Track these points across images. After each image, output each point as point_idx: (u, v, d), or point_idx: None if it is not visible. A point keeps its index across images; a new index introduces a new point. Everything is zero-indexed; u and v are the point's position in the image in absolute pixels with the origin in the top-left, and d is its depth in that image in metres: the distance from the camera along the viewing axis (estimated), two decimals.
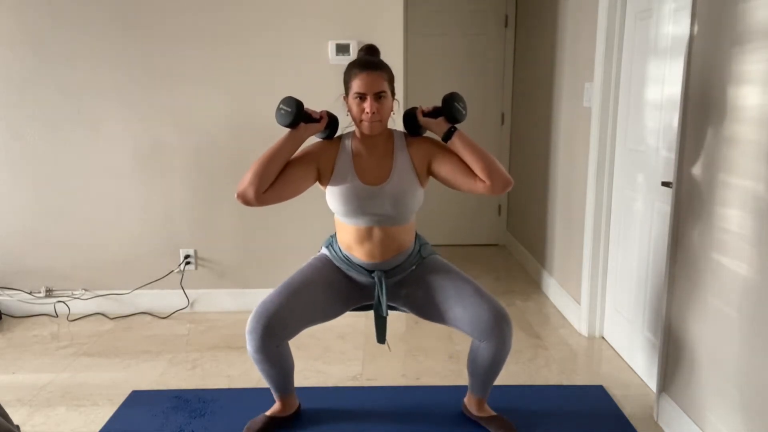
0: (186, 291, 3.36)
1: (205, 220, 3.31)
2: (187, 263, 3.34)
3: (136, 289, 3.35)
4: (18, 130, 3.19)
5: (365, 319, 3.27)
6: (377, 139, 1.98)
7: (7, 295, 3.34)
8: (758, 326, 1.69)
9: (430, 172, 2.01)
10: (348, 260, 2.06)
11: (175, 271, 3.35)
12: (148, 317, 3.32)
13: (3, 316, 3.33)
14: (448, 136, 1.94)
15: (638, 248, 2.59)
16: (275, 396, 2.18)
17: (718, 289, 1.87)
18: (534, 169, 4.04)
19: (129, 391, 2.47)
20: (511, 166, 4.74)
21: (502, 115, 4.72)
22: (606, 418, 2.26)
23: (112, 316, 3.33)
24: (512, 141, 4.70)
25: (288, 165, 1.95)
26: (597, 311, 2.99)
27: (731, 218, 1.80)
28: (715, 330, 1.89)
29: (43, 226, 3.28)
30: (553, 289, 3.55)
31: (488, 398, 2.24)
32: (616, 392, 2.45)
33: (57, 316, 3.34)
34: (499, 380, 2.54)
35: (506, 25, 4.59)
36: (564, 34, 3.39)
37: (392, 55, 2.92)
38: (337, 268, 2.10)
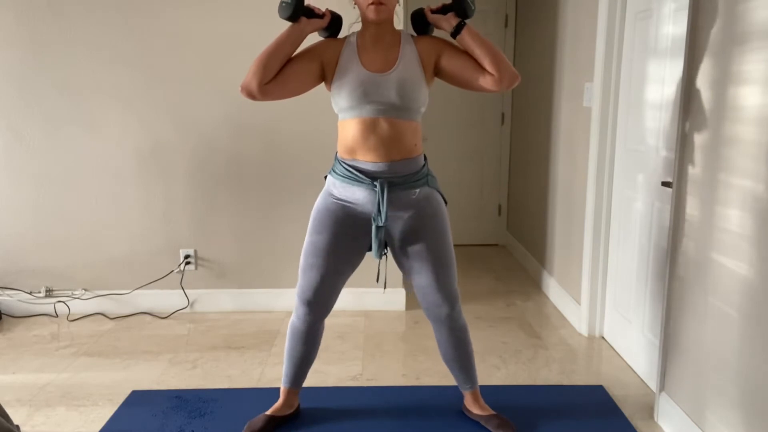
0: (186, 291, 3.36)
1: (205, 220, 3.31)
2: (187, 263, 3.34)
3: (136, 289, 3.35)
4: (18, 130, 3.19)
5: (365, 319, 3.27)
6: (384, 30, 1.96)
7: (7, 295, 3.34)
8: (758, 326, 1.69)
9: (437, 70, 1.99)
10: (351, 170, 1.98)
11: (175, 271, 3.35)
12: (148, 317, 3.32)
13: (3, 316, 3.33)
14: (457, 30, 1.93)
15: (638, 248, 2.59)
16: (283, 387, 2.19)
17: (718, 289, 1.87)
18: (534, 169, 4.04)
19: (129, 391, 2.47)
20: (511, 166, 4.74)
21: (502, 115, 4.72)
22: (606, 418, 2.26)
23: (112, 316, 3.33)
24: (512, 141, 4.70)
25: (291, 60, 1.95)
26: (597, 311, 2.99)
27: (731, 218, 1.80)
28: (715, 330, 1.89)
29: (43, 226, 3.28)
30: (553, 289, 3.55)
31: (488, 398, 2.25)
32: (616, 392, 2.45)
33: (57, 316, 3.34)
34: (499, 380, 2.54)
35: (506, 25, 4.59)
36: (564, 34, 3.39)
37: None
38: (343, 212, 2.02)
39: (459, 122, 4.71)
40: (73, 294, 3.36)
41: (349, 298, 3.32)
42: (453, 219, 4.79)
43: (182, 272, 3.35)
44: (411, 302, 3.44)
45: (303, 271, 2.06)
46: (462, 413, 2.26)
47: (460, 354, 2.16)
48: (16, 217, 3.27)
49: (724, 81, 1.83)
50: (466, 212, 4.83)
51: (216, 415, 2.28)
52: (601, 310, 2.98)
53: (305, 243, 2.07)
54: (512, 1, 4.56)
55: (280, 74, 1.92)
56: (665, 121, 2.35)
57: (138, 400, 2.39)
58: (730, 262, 1.81)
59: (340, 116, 2.00)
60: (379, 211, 1.97)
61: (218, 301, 3.39)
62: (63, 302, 3.35)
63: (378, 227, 1.98)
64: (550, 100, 3.66)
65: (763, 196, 1.66)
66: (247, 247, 3.35)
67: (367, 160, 1.96)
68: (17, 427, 1.74)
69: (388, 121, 1.93)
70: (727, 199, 1.82)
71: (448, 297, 2.08)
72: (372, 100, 1.91)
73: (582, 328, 3.05)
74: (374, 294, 3.38)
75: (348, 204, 2.02)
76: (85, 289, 3.37)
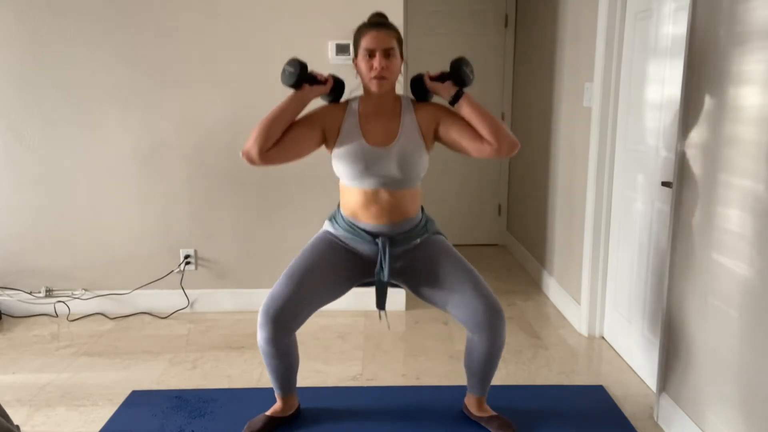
0: (186, 291, 3.36)
1: (205, 220, 3.31)
2: (187, 263, 3.34)
3: (136, 289, 3.35)
4: (18, 130, 3.19)
5: (365, 319, 3.27)
6: (385, 100, 1.99)
7: (7, 295, 3.34)
8: (758, 326, 1.69)
9: (436, 137, 2.01)
10: (353, 226, 2.03)
11: (175, 271, 3.35)
12: (148, 317, 3.32)
13: (3, 316, 3.33)
14: (455, 99, 1.95)
15: (638, 248, 2.59)
16: (277, 394, 2.18)
17: (717, 289, 1.87)
18: (534, 169, 4.04)
19: (129, 391, 2.47)
20: (511, 166, 4.74)
21: (502, 115, 4.72)
22: (606, 418, 2.26)
23: (112, 316, 3.33)
24: None
25: (293, 125, 1.96)
26: (597, 311, 2.99)
27: (731, 218, 1.80)
28: (715, 330, 1.90)
29: (44, 226, 3.28)
30: (553, 289, 3.55)
31: (488, 398, 2.25)
32: (616, 392, 2.45)
33: (57, 316, 3.34)
34: (499, 380, 2.54)
35: (506, 25, 4.59)
36: (564, 34, 3.39)
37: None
38: (340, 245, 2.07)
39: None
40: (73, 294, 3.36)
41: (349, 298, 3.32)
42: (453, 219, 4.83)
43: (182, 272, 3.35)
44: (411, 302, 3.44)
45: (276, 285, 2.00)
46: (462, 413, 2.26)
47: (486, 368, 2.10)
48: (16, 217, 3.27)
49: (724, 81, 1.83)
50: (466, 212, 4.83)
51: (216, 415, 2.28)
52: (601, 310, 2.98)
53: (291, 263, 2.05)
54: (512, 1, 4.56)
55: (281, 140, 1.94)
56: (665, 121, 2.35)
57: (138, 400, 2.39)
58: (730, 262, 1.81)
59: (341, 180, 2.04)
60: (381, 267, 2.02)
61: (218, 301, 3.39)
62: (63, 302, 3.35)
63: (381, 281, 2.03)
64: (550, 100, 3.66)
65: (763, 196, 1.66)
66: (247, 247, 3.35)
67: (368, 222, 2.02)
68: (17, 427, 1.74)
69: (389, 193, 1.98)
70: (727, 199, 1.82)
71: (494, 306, 1.98)
72: (373, 174, 1.95)
73: (582, 328, 3.05)
74: (374, 294, 3.37)
75: (348, 245, 2.07)
76: (85, 289, 3.37)
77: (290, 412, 2.21)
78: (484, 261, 4.44)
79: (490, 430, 2.15)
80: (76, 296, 3.35)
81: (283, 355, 2.05)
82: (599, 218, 2.90)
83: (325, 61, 3.12)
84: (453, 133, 1.97)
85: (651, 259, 2.48)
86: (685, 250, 2.06)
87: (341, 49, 3.10)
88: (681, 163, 2.09)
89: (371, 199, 1.99)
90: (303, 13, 3.10)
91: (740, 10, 1.75)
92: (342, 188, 2.06)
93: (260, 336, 2.00)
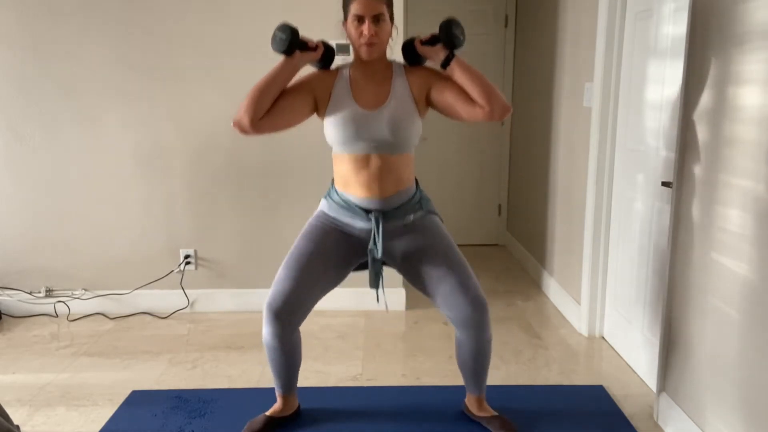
0: (186, 291, 3.36)
1: (205, 220, 3.31)
2: (187, 263, 3.34)
3: (136, 289, 3.35)
4: (18, 130, 3.19)
5: (365, 318, 3.27)
6: (376, 65, 1.97)
7: (7, 295, 3.34)
8: (758, 326, 1.69)
9: (429, 102, 1.99)
10: (346, 203, 2.01)
11: (175, 271, 3.35)
12: (148, 317, 3.32)
13: (3, 316, 3.33)
14: (446, 62, 1.92)
15: (638, 248, 2.59)
16: (278, 393, 2.18)
17: (717, 289, 1.87)
18: (534, 169, 4.04)
19: (129, 391, 2.47)
20: (511, 166, 4.74)
21: None
22: (606, 418, 2.26)
23: (112, 316, 3.33)
24: (512, 141, 4.70)
25: (284, 93, 1.94)
26: (597, 311, 2.99)
27: (731, 218, 1.80)
28: (715, 330, 1.90)
29: (43, 226, 3.28)
30: (553, 289, 3.55)
31: (489, 398, 2.24)
32: (616, 392, 2.45)
33: (57, 316, 3.34)
34: (499, 380, 2.54)
35: (506, 25, 4.59)
36: (564, 34, 3.39)
37: (392, 55, 2.92)
38: (334, 228, 2.04)
39: (459, 122, 4.70)
40: (73, 294, 3.36)
41: (349, 298, 3.33)
42: (453, 219, 4.82)
43: (182, 272, 3.35)
44: (411, 302, 3.44)
45: (278, 279, 2.01)
46: (463, 413, 2.26)
47: (478, 365, 2.10)
48: (16, 217, 3.27)
49: (724, 81, 1.83)
50: (466, 212, 4.83)
51: (216, 415, 2.28)
52: (601, 310, 2.98)
53: (289, 252, 2.04)
54: (512, 1, 4.56)
55: (272, 109, 1.92)
56: (665, 121, 2.35)
57: (138, 400, 2.39)
58: (730, 262, 1.81)
59: (333, 149, 2.01)
60: (374, 243, 1.99)
61: (218, 301, 3.39)
62: (63, 302, 3.35)
63: (374, 259, 2.00)
64: (550, 100, 3.66)
65: (763, 196, 1.66)
66: (247, 247, 3.35)
67: (360, 196, 1.98)
68: (17, 427, 1.74)
69: (380, 158, 1.94)
70: (727, 199, 1.82)
71: (477, 300, 1.98)
72: (364, 137, 1.92)
73: (582, 328, 3.05)
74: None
75: (342, 226, 2.04)
76: (85, 289, 3.37)
77: (290, 412, 2.21)
78: (484, 261, 4.43)
79: (491, 430, 2.15)
80: (76, 296, 3.35)
81: (288, 351, 2.06)
82: (599, 218, 2.90)
83: None
84: (445, 97, 1.94)
85: (651, 259, 2.48)
86: (685, 250, 2.06)
87: (341, 49, 3.09)
88: (681, 163, 2.09)
89: (362, 164, 1.94)
90: (303, 13, 3.10)
91: (740, 10, 1.75)
92: (335, 158, 2.02)
93: (266, 331, 2.01)
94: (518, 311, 3.40)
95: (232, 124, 1.90)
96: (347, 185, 2.00)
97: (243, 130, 1.90)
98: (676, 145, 2.10)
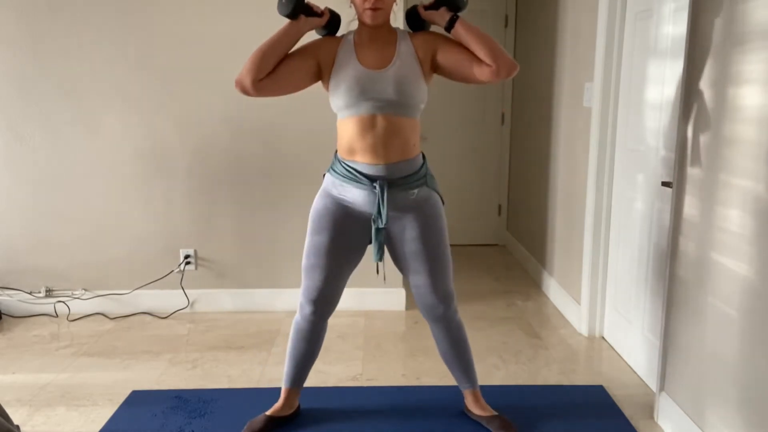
0: (186, 291, 3.36)
1: (205, 220, 3.31)
2: (187, 263, 3.34)
3: (136, 289, 3.35)
4: (18, 130, 3.19)
5: (365, 319, 3.27)
6: (381, 32, 1.97)
7: (7, 295, 3.34)
8: (758, 326, 1.69)
9: (434, 66, 1.98)
10: (350, 171, 1.98)
11: (175, 271, 3.35)
12: (148, 317, 3.32)
13: (3, 316, 3.33)
14: (450, 24, 1.92)
15: (638, 248, 2.59)
16: (284, 386, 2.19)
17: (717, 289, 1.87)
18: (534, 169, 4.04)
19: (129, 391, 2.47)
20: (511, 166, 4.74)
21: (502, 115, 4.72)
22: (606, 418, 2.26)
23: (112, 316, 3.33)
24: (512, 141, 4.70)
25: (287, 57, 1.94)
26: (597, 311, 2.99)
27: (731, 218, 1.80)
28: (714, 330, 1.90)
29: (43, 226, 3.28)
30: (553, 289, 3.55)
31: (489, 398, 2.24)
32: (616, 392, 2.45)
33: (57, 316, 3.34)
34: (499, 380, 2.54)
35: (506, 25, 4.59)
36: (564, 34, 3.39)
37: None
38: (343, 211, 2.02)
39: (459, 122, 4.71)
40: (73, 294, 3.36)
41: (349, 298, 3.31)
42: (453, 219, 4.79)
43: (182, 272, 3.35)
44: (411, 302, 3.44)
45: (306, 272, 2.08)
46: (463, 414, 2.26)
47: (457, 352, 2.17)
48: (16, 217, 3.27)
49: (724, 81, 1.83)
50: (466, 212, 4.83)
51: (216, 415, 2.28)
52: (601, 310, 2.98)
53: (306, 244, 2.07)
54: (512, 1, 4.56)
55: (275, 71, 1.91)
56: (665, 121, 2.35)
57: (138, 400, 2.39)
58: (730, 262, 1.81)
59: (339, 115, 1.99)
60: (379, 213, 1.97)
61: (218, 301, 3.39)
62: (63, 302, 3.35)
63: (378, 229, 1.98)
64: (550, 100, 3.66)
65: (763, 196, 1.66)
66: (247, 247, 3.35)
67: (366, 162, 1.95)
68: (17, 427, 1.74)
69: (386, 119, 1.92)
70: (727, 199, 1.82)
71: (444, 297, 2.09)
72: (370, 97, 1.90)
73: (582, 328, 3.05)
74: (374, 294, 3.38)
75: (347, 203, 2.02)
76: (85, 289, 3.37)
77: (290, 412, 2.21)
78: (484, 261, 4.44)
79: (491, 429, 2.15)
80: (76, 296, 3.35)
81: (313, 339, 2.15)
82: (599, 218, 2.90)
83: None
84: (450, 58, 1.94)
85: (651, 259, 2.48)
86: (685, 250, 2.06)
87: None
88: (681, 163, 2.09)
89: (368, 126, 1.92)
90: None
91: (740, 10, 1.75)
92: (339, 125, 2.00)
93: (299, 316, 2.12)
94: (518, 311, 3.40)
95: (234, 83, 1.90)
96: (352, 152, 1.97)
97: (245, 90, 1.90)
98: (676, 145, 2.10)
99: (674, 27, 2.28)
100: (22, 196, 3.25)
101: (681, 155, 2.08)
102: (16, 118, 3.18)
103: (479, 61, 1.89)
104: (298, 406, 2.25)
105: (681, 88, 2.07)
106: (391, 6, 1.94)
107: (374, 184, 1.95)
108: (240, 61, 3.13)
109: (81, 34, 3.11)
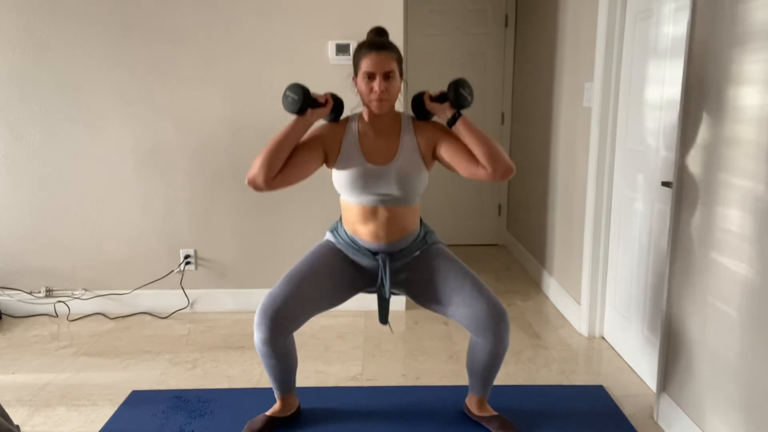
0: (186, 291, 3.36)
1: (205, 220, 3.31)
2: (187, 263, 3.34)
3: (136, 289, 3.35)
4: (18, 129, 3.19)
5: (365, 319, 3.27)
6: (384, 119, 2.00)
7: (7, 295, 3.34)
8: (758, 326, 1.69)
9: (435, 156, 2.03)
10: (353, 243, 2.07)
11: (175, 271, 3.35)
12: (148, 317, 3.32)
13: (3, 316, 3.33)
14: (452, 121, 1.95)
15: (638, 248, 2.59)
16: (276, 394, 2.18)
17: (717, 289, 1.87)
18: (534, 169, 4.04)
19: (129, 391, 2.47)
20: None
21: (502, 115, 4.72)
22: (606, 418, 2.26)
23: (112, 316, 3.33)
24: (512, 141, 4.70)
25: (295, 149, 1.96)
26: (597, 311, 2.99)
27: (731, 218, 1.80)
28: (715, 330, 1.90)
29: (43, 226, 3.28)
30: (553, 289, 3.55)
31: (489, 398, 2.24)
32: (616, 392, 2.45)
33: (57, 316, 3.34)
34: (499, 380, 2.54)
35: (506, 25, 4.59)
36: (564, 34, 3.39)
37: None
38: (341, 253, 2.10)
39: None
40: (73, 294, 3.36)
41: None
42: (453, 219, 4.83)
43: (182, 272, 3.35)
44: (411, 302, 3.44)
45: (275, 286, 2.00)
46: (463, 413, 2.26)
47: (489, 371, 2.09)
48: (16, 217, 3.27)
49: (724, 81, 1.83)
50: (466, 212, 4.83)
51: (216, 415, 2.28)
52: (601, 310, 2.98)
53: (299, 262, 2.06)
54: (512, 1, 4.56)
55: (285, 166, 1.94)
56: (665, 121, 2.35)
57: (138, 400, 2.39)
58: (730, 262, 1.81)
59: (341, 195, 2.05)
60: (382, 283, 2.05)
61: (218, 301, 3.39)
62: (63, 302, 3.35)
63: (382, 298, 2.07)
64: (550, 100, 3.66)
65: (763, 196, 1.66)
66: (247, 247, 3.35)
67: (368, 241, 2.04)
68: (17, 427, 1.74)
69: (388, 210, 2.00)
70: (727, 199, 1.82)
71: (497, 307, 1.97)
72: (373, 192, 1.97)
73: (582, 328, 3.05)
74: (374, 294, 3.37)
75: (350, 258, 2.10)
76: (85, 289, 3.37)
77: (290, 412, 2.21)
78: (484, 261, 4.44)
79: (491, 429, 2.15)
80: (76, 296, 3.35)
81: (281, 355, 2.04)
82: (599, 218, 2.90)
83: (325, 61, 3.12)
84: (449, 154, 1.98)
85: (651, 259, 2.48)
86: (685, 250, 2.06)
87: (341, 49, 3.10)
88: (681, 163, 2.09)
89: (370, 215, 2.01)
90: (303, 12, 3.10)
91: (740, 10, 1.75)
92: (342, 203, 2.08)
93: (256, 336, 2.00)
94: (518, 311, 3.40)
95: (246, 182, 1.93)
96: (355, 230, 2.06)
97: (257, 188, 1.91)
98: (676, 145, 2.10)
99: (674, 27, 2.28)
100: (23, 196, 3.25)
101: (681, 155, 2.08)
102: (17, 117, 3.18)
103: (476, 160, 1.93)
104: (298, 406, 2.25)
105: (681, 88, 2.07)
106: (397, 96, 1.96)
107: (376, 257, 2.05)
108: (240, 62, 3.16)
109: (81, 33, 3.10)
